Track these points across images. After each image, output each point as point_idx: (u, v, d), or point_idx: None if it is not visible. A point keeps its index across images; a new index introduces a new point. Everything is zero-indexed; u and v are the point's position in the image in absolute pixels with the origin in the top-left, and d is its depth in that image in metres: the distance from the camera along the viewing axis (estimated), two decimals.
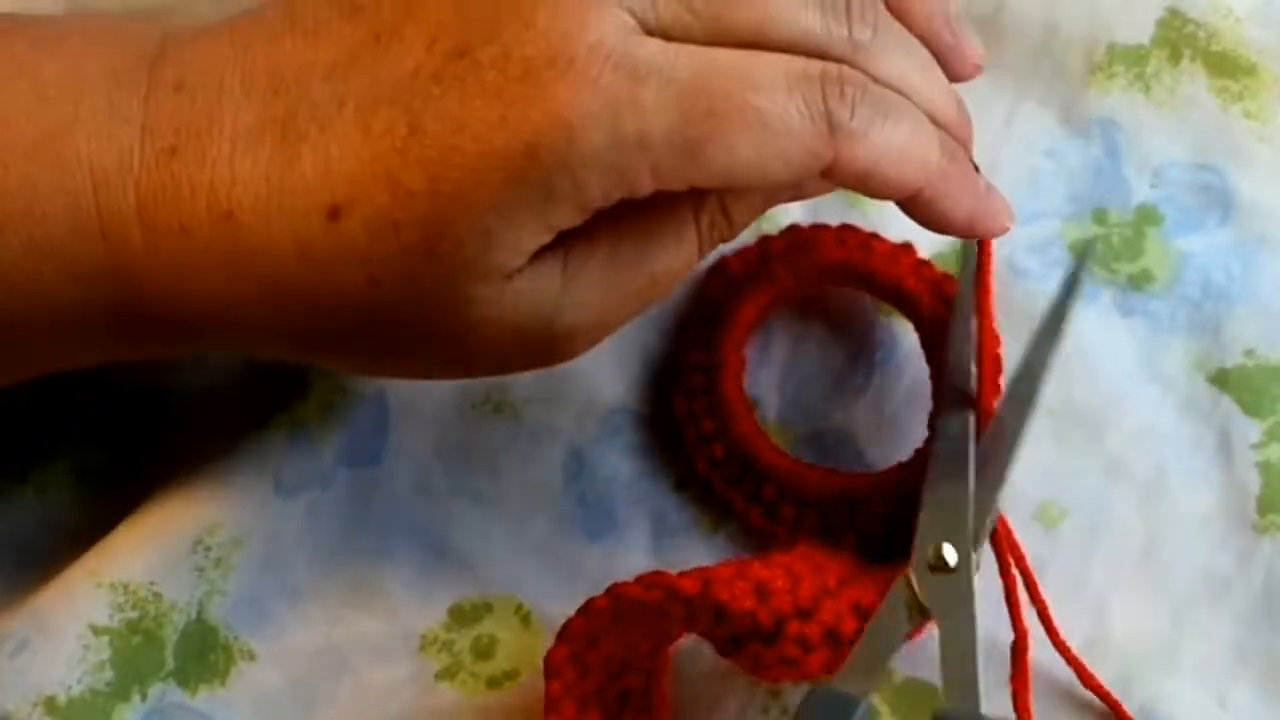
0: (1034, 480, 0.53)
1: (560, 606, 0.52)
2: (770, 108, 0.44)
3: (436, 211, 0.44)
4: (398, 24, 0.46)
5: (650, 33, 0.44)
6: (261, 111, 0.46)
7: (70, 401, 0.55)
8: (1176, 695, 0.51)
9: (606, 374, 0.55)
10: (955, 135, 0.48)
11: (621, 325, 0.48)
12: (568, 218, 0.45)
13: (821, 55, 0.45)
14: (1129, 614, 0.52)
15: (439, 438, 0.55)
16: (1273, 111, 0.57)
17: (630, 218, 0.46)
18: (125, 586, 0.53)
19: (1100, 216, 0.56)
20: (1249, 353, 0.55)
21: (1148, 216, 0.56)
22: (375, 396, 0.55)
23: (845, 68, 0.45)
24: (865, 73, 0.46)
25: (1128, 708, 0.51)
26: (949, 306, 0.53)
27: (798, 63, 0.45)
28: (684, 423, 0.54)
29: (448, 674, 0.53)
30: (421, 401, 0.55)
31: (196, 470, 0.54)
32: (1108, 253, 0.56)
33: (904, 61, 0.47)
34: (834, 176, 0.46)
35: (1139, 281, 0.56)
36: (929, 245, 0.55)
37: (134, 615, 0.53)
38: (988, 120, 0.57)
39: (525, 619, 0.53)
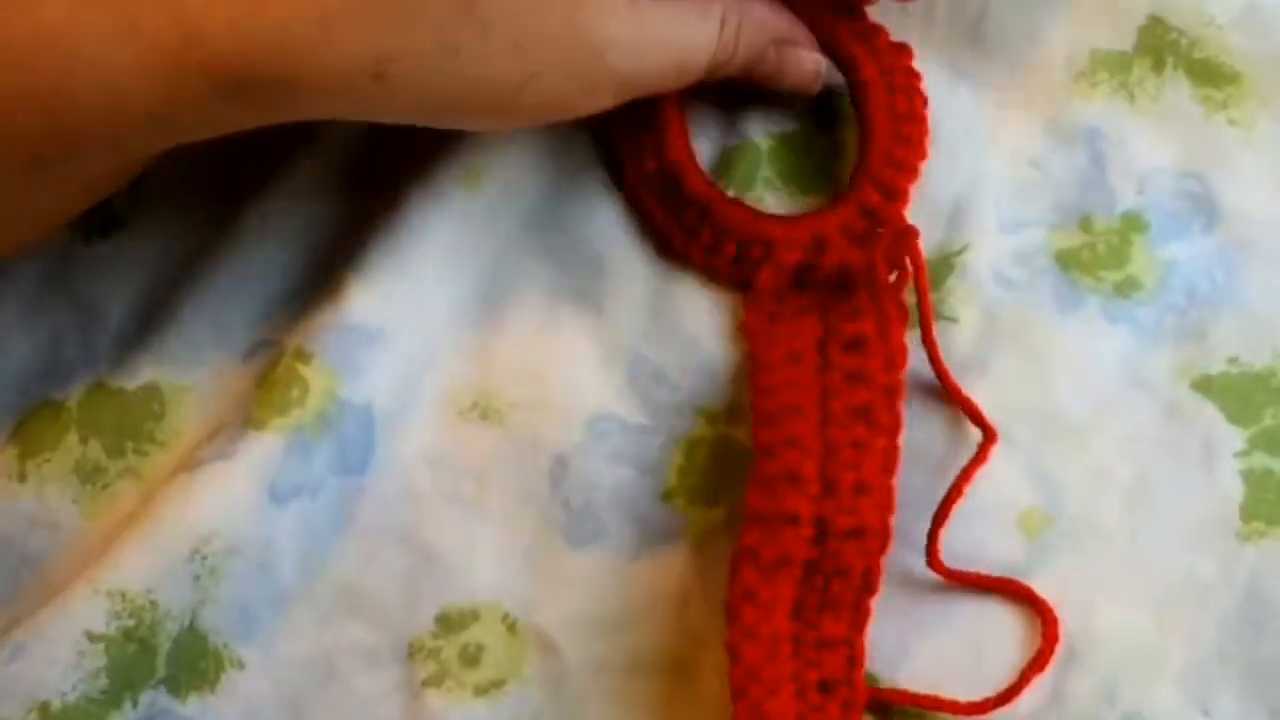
0: (1018, 487, 0.52)
1: (546, 614, 0.52)
2: None
3: None
4: None
5: None
6: None
7: (68, 398, 0.55)
8: (1161, 703, 0.50)
9: (592, 380, 0.55)
10: None
11: (647, 90, 0.52)
12: None
13: None
14: (1113, 621, 0.51)
15: (426, 445, 0.54)
16: (1256, 119, 0.56)
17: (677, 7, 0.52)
18: (123, 595, 0.52)
19: (1086, 224, 0.55)
20: (1233, 360, 0.54)
21: (1133, 224, 0.55)
22: (364, 406, 0.54)
23: None
24: None
25: (1112, 715, 0.50)
26: (882, 69, 0.56)
27: None
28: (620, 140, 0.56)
29: (435, 681, 0.52)
30: (409, 409, 0.54)
31: (194, 476, 0.53)
32: (1093, 261, 0.55)
33: None
34: None
35: (1125, 289, 0.55)
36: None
37: (130, 623, 0.52)
38: (972, 130, 0.56)
39: (512, 627, 0.52)
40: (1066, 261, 0.55)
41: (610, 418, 0.54)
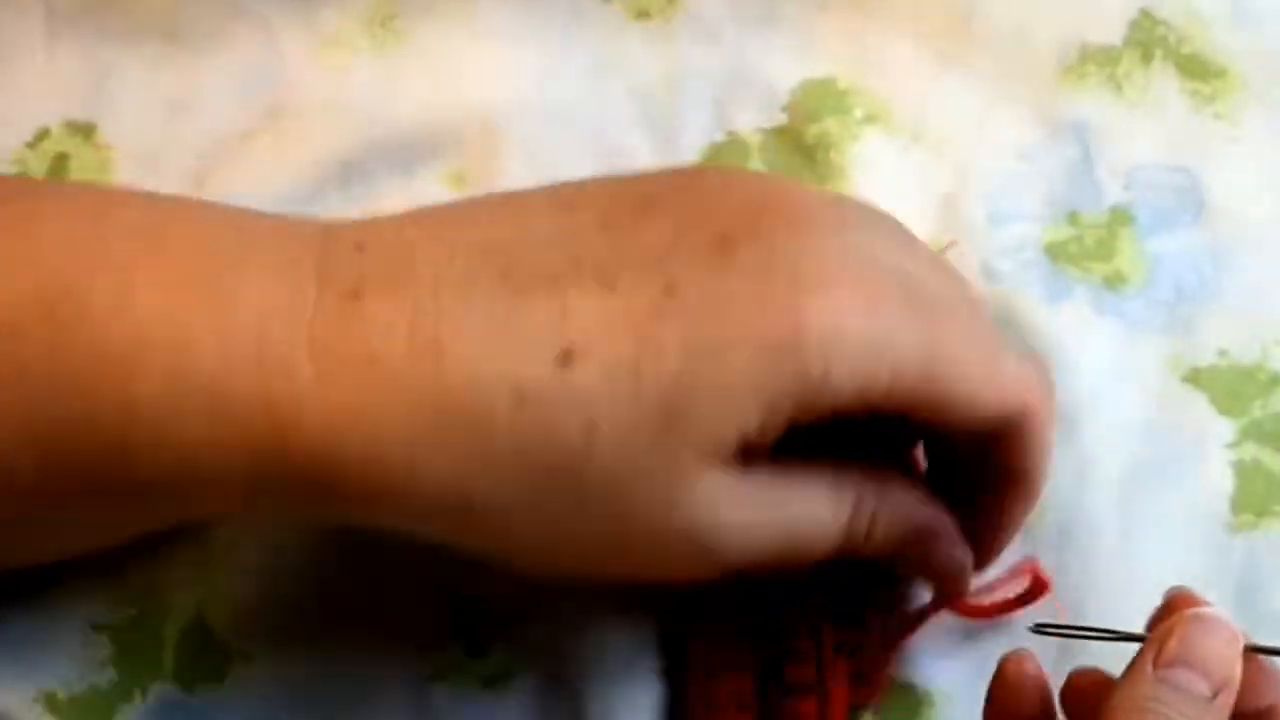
0: None
1: (550, 606, 0.51)
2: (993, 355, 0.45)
3: (687, 368, 0.42)
4: (627, 218, 0.44)
5: None
6: (471, 265, 0.43)
7: None
8: None
9: None
10: None
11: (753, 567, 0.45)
12: (801, 410, 0.42)
13: None
14: (1103, 614, 0.50)
15: None
16: (1243, 113, 0.55)
17: (801, 473, 0.45)
18: (123, 584, 0.51)
19: (1073, 218, 0.55)
20: (1222, 353, 0.53)
21: (1120, 218, 0.54)
22: None
23: None
24: None
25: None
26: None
27: None
28: None
29: (441, 674, 0.51)
30: None
31: None
32: (1081, 254, 0.54)
33: None
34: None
35: (1113, 282, 0.54)
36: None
37: (133, 613, 0.51)
38: (961, 123, 0.56)
39: (518, 619, 0.51)
40: (1055, 253, 0.54)
41: None
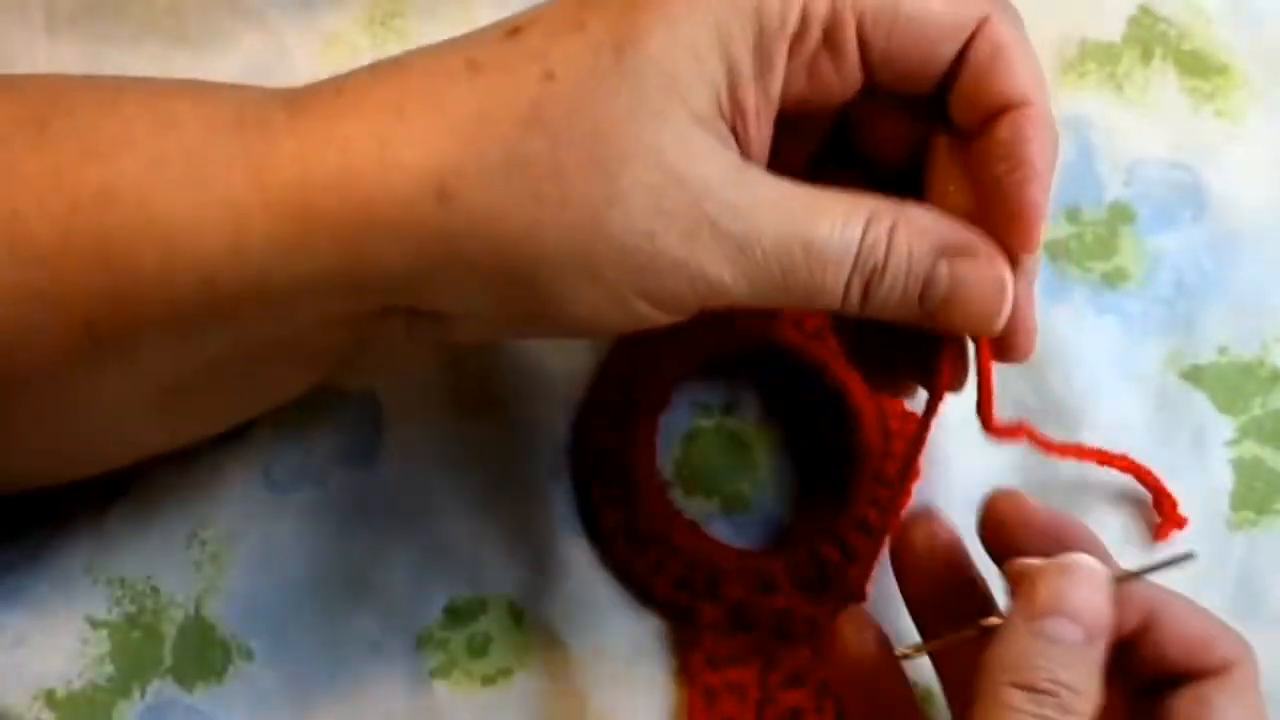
0: (1009, 478, 0.52)
1: (550, 604, 0.51)
2: None
3: (628, 11, 0.42)
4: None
5: None
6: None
7: None
8: None
9: (588, 371, 0.53)
10: None
11: (774, 288, 0.43)
12: (759, 54, 0.42)
13: None
14: None
15: (432, 438, 0.53)
16: (1243, 111, 0.55)
17: (808, 185, 0.43)
18: (122, 581, 0.51)
19: (1073, 215, 0.54)
20: (1222, 350, 0.53)
21: (1121, 214, 0.54)
22: (366, 396, 0.53)
23: None
24: None
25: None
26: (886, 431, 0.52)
27: None
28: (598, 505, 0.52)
29: (443, 672, 0.51)
30: (414, 401, 0.53)
31: (186, 464, 0.52)
32: (1081, 251, 0.54)
33: None
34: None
35: (1113, 279, 0.54)
36: None
37: (132, 609, 0.51)
38: None
39: (518, 618, 0.52)
40: (1054, 252, 0.54)
41: None
